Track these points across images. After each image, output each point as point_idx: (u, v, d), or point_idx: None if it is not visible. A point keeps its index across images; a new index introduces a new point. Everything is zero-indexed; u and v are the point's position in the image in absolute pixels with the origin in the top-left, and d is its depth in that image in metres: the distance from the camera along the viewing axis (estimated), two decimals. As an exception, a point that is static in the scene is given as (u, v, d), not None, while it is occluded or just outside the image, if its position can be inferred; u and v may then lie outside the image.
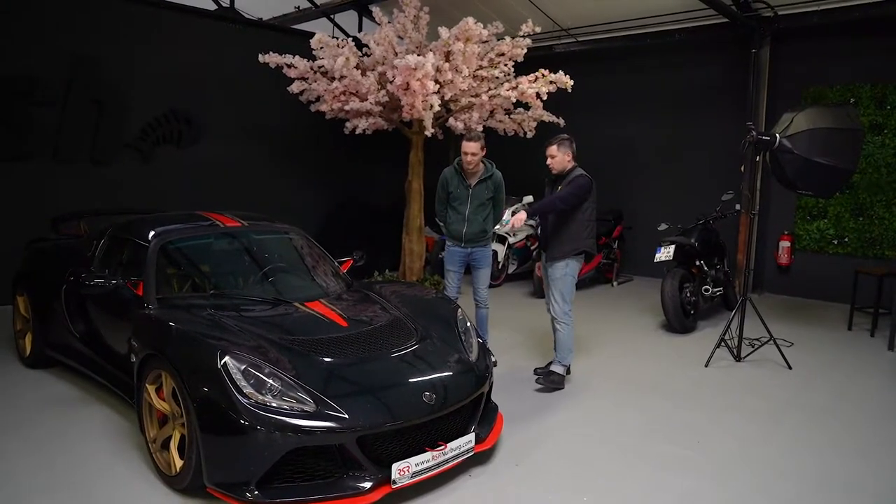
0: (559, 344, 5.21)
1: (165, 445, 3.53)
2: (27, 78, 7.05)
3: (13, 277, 5.45)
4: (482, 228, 5.55)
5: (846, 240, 8.45)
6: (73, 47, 7.34)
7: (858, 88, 8.26)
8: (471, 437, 3.63)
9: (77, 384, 4.90)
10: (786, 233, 8.88)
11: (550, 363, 5.37)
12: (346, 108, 7.50)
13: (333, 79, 7.42)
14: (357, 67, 7.26)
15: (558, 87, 7.29)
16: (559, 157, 5.09)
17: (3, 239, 6.72)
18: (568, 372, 5.31)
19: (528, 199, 9.39)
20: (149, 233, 4.43)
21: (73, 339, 4.74)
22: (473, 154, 5.37)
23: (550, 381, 5.16)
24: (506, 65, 7.61)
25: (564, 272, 5.07)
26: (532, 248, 9.35)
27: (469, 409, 3.75)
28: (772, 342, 6.00)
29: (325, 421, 3.15)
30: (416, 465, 3.32)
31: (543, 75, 7.29)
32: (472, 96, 7.56)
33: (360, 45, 7.73)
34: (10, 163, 7.07)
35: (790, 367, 5.83)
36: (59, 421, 4.27)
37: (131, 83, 7.80)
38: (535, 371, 5.38)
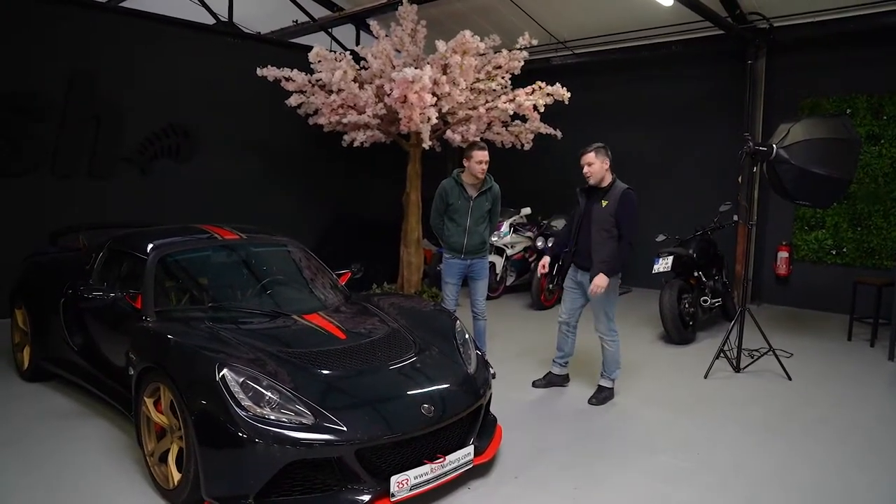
0: (607, 360, 5.15)
1: (163, 458, 3.51)
2: (26, 93, 7.09)
3: (11, 290, 5.44)
4: (482, 240, 5.57)
5: (844, 250, 8.47)
6: (71, 63, 7.37)
7: (854, 99, 8.31)
8: (470, 449, 3.61)
9: (75, 397, 4.88)
10: (784, 243, 8.89)
11: (548, 373, 5.36)
12: (344, 120, 7.52)
13: (331, 92, 7.45)
14: (355, 80, 7.29)
15: (555, 100, 7.32)
16: (597, 164, 4.85)
17: (1, 252, 6.71)
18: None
19: (526, 210, 9.40)
20: (147, 246, 4.43)
21: (71, 352, 4.73)
22: (487, 163, 5.41)
23: (603, 397, 5.14)
24: (503, 77, 7.65)
25: (608, 290, 4.92)
26: (530, 259, 9.34)
27: (468, 421, 3.73)
28: (771, 353, 5.99)
29: (324, 433, 3.14)
30: (415, 477, 3.31)
31: (540, 87, 7.33)
32: (470, 109, 7.59)
33: (357, 58, 7.77)
34: (9, 177, 7.08)
35: (790, 378, 5.82)
36: (56, 434, 4.25)
37: (129, 98, 7.83)
38: (534, 383, 5.38)
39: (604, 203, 4.88)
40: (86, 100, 7.51)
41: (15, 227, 7.00)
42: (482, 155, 5.38)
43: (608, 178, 4.94)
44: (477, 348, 4.26)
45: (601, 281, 4.79)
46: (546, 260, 5.33)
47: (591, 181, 4.94)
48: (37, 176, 7.27)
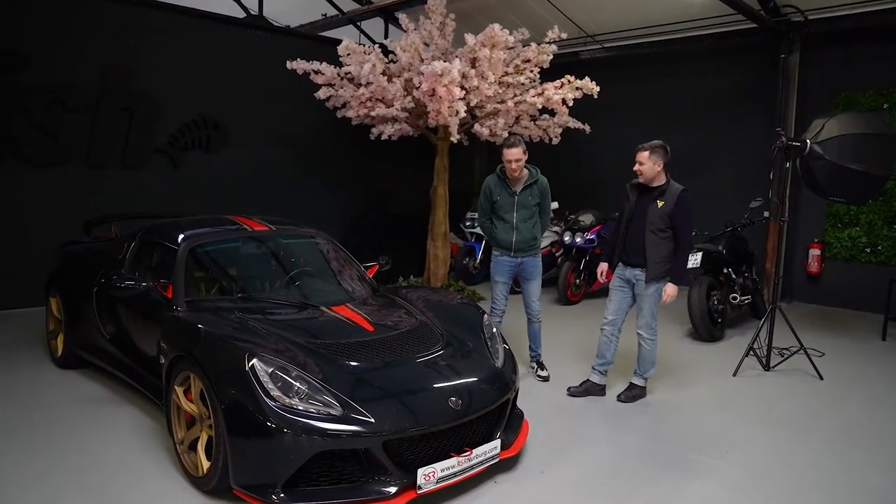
0: (643, 358, 5.08)
1: (193, 447, 3.56)
2: (61, 85, 7.20)
3: (47, 279, 5.55)
4: (532, 236, 5.36)
5: (879, 248, 8.29)
6: (104, 55, 7.48)
7: (892, 94, 8.11)
8: (496, 443, 3.60)
9: (107, 385, 4.97)
10: (816, 241, 8.74)
11: (587, 381, 5.19)
12: (373, 114, 7.55)
13: (360, 85, 7.47)
14: (383, 74, 7.30)
15: (584, 94, 7.27)
16: (648, 164, 4.77)
17: (37, 242, 6.87)
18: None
19: (554, 205, 9.30)
20: (178, 236, 4.50)
21: (103, 340, 4.81)
22: (517, 160, 5.17)
23: (633, 395, 5.09)
24: (531, 71, 7.60)
25: (657, 289, 4.85)
26: (557, 254, 9.29)
27: (495, 414, 3.73)
28: (802, 352, 5.89)
29: (352, 425, 3.15)
30: (442, 470, 3.31)
31: (569, 81, 7.27)
32: (498, 102, 7.56)
33: (386, 51, 7.78)
34: (44, 167, 7.22)
35: (821, 378, 5.72)
36: (88, 421, 4.33)
37: (161, 90, 7.92)
38: (569, 391, 5.19)
39: (660, 203, 4.79)
40: (119, 91, 7.62)
41: (50, 216, 7.15)
42: (510, 153, 5.14)
43: (662, 178, 4.85)
44: (504, 342, 4.24)
45: (672, 290, 4.81)
46: (605, 266, 5.19)
47: (641, 180, 4.89)
48: (71, 166, 7.40)
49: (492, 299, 5.55)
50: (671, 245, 4.80)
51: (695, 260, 6.86)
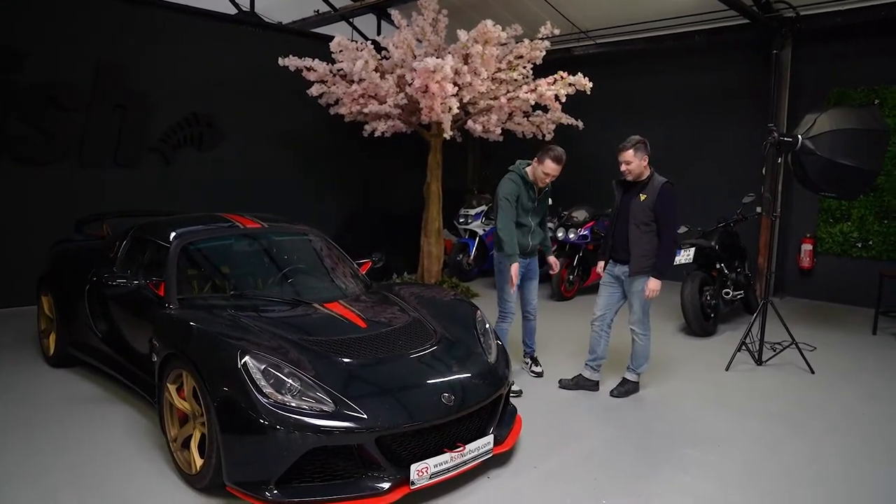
0: (635, 353, 5.08)
1: (186, 444, 3.55)
2: (55, 84, 7.17)
3: (38, 278, 5.52)
4: (540, 239, 5.35)
5: (870, 243, 8.33)
6: (98, 53, 7.45)
7: (883, 89, 8.15)
8: (489, 438, 3.61)
9: (99, 383, 4.96)
10: (808, 236, 8.78)
11: (578, 375, 5.23)
12: (365, 110, 7.54)
13: (352, 82, 7.46)
14: (376, 70, 7.29)
15: (577, 90, 7.27)
16: (636, 162, 4.74)
17: (29, 240, 6.85)
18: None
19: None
20: (170, 234, 4.48)
21: (95, 338, 4.80)
22: (553, 178, 5.11)
23: (625, 390, 5.10)
24: (524, 67, 7.61)
25: (644, 284, 4.83)
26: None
27: (488, 410, 3.74)
28: (794, 346, 5.92)
29: (344, 421, 3.16)
30: (435, 466, 3.32)
31: (562, 77, 7.28)
32: (491, 99, 7.57)
33: (378, 48, 7.77)
34: (37, 166, 7.19)
35: (813, 372, 5.75)
36: (81, 419, 4.32)
37: (154, 87, 7.90)
38: (561, 383, 5.24)
39: (642, 197, 4.79)
40: (112, 90, 7.59)
41: (42, 215, 7.13)
42: (554, 168, 5.00)
43: (646, 172, 4.85)
44: (497, 338, 4.25)
45: (655, 285, 4.78)
46: (601, 264, 5.19)
47: (630, 178, 4.87)
48: (64, 165, 7.38)
49: (503, 302, 5.31)
50: (656, 239, 4.79)
51: (687, 255, 6.89)
